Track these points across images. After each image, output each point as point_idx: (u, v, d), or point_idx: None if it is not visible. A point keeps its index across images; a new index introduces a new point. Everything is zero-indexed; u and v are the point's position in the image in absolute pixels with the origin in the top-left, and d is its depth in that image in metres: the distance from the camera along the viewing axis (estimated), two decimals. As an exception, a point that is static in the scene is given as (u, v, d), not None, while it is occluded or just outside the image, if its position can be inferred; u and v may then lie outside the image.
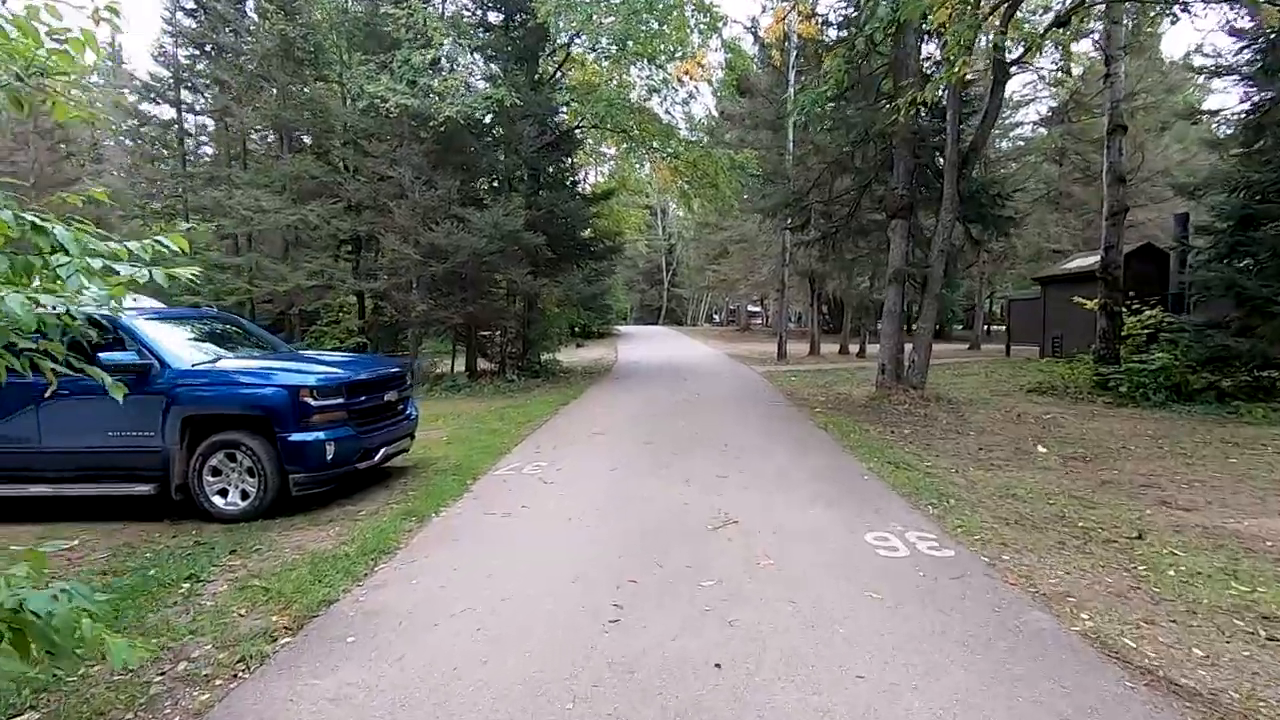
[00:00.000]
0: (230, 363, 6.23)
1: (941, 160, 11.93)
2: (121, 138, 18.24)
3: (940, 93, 11.52)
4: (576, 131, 17.40)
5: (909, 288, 12.52)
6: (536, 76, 14.58)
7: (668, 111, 17.16)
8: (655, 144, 16.88)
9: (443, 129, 13.97)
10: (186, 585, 4.31)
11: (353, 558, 4.55)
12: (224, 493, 5.88)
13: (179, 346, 6.21)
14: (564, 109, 16.57)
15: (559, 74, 16.82)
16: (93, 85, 32.67)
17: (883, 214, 13.36)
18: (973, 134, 11.25)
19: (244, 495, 5.86)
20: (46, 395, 3.06)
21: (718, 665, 3.05)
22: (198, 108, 17.02)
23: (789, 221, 15.03)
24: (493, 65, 15.76)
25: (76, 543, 5.16)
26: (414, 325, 15.24)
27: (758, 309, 55.92)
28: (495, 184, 15.91)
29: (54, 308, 2.27)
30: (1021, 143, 28.55)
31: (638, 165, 19.37)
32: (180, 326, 6.75)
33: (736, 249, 33.24)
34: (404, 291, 14.92)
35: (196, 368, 6.00)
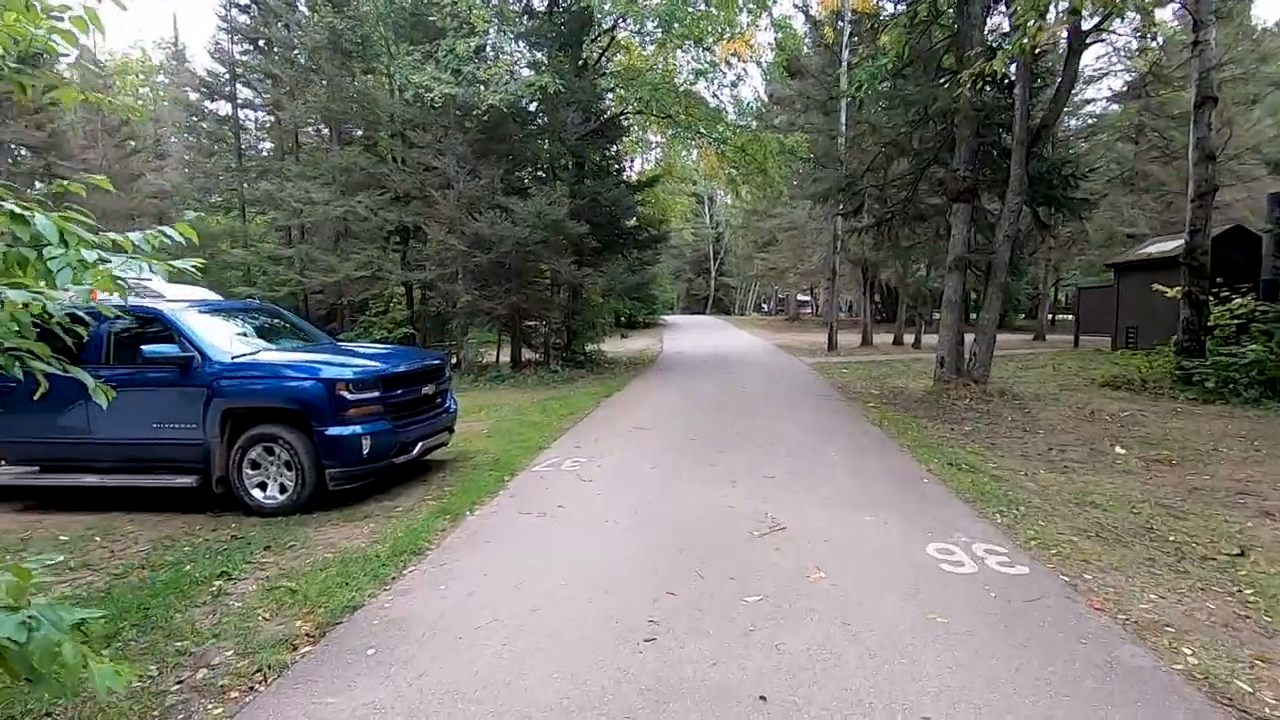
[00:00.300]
0: (270, 355, 6.19)
1: (1008, 139, 11.16)
2: (183, 133, 18.84)
3: (1008, 65, 10.75)
4: (621, 119, 17.09)
5: (970, 275, 11.81)
6: (580, 62, 14.30)
7: (715, 95, 16.70)
8: (702, 129, 16.42)
9: (486, 118, 13.86)
10: (218, 583, 4.24)
11: (383, 559, 4.41)
12: (263, 486, 5.86)
13: (221, 339, 6.20)
14: (608, 95, 16.28)
15: (603, 59, 16.52)
16: (157, 84, 34.01)
17: (942, 198, 12.63)
18: (1043, 110, 10.46)
19: (282, 489, 5.82)
20: (35, 397, 2.90)
21: (762, 698, 2.75)
22: (255, 102, 17.38)
23: (841, 207, 14.40)
24: (536, 52, 15.56)
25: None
26: (459, 316, 15.26)
27: (807, 298, 54.72)
28: (540, 173, 15.75)
29: (25, 304, 2.09)
30: (1093, 120, 26.83)
31: (684, 152, 18.93)
32: (223, 318, 6.76)
33: (785, 237, 32.45)
34: (449, 282, 14.94)
35: (237, 360, 5.98)
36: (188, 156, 18.65)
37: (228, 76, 17.11)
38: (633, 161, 20.08)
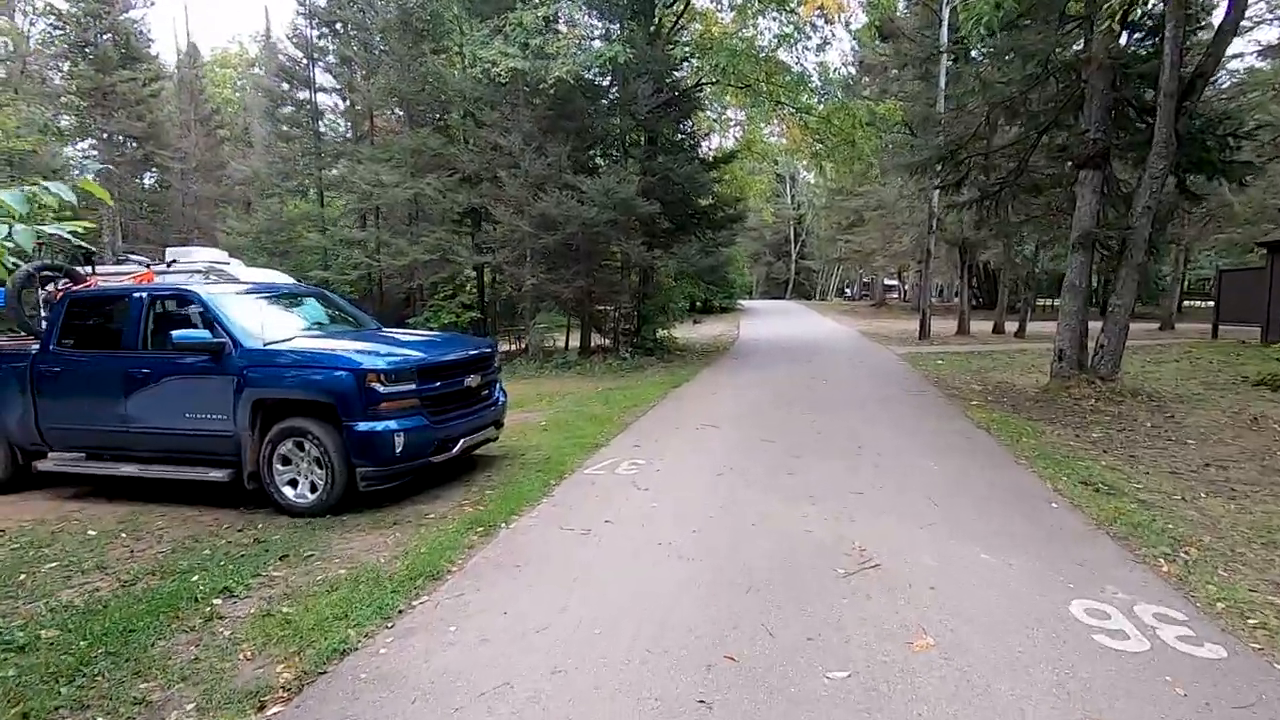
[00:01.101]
0: (303, 342, 5.73)
1: (1150, 94, 9.46)
2: (265, 120, 19.34)
3: (1153, 3, 9.08)
4: (696, 92, 16.06)
5: (1096, 255, 10.19)
6: (653, 29, 13.40)
7: (798, 61, 15.37)
8: (783, 98, 15.17)
9: (554, 92, 13.21)
10: (217, 600, 3.77)
11: (396, 583, 3.80)
12: (294, 483, 5.43)
13: (255, 324, 5.80)
14: (682, 66, 15.30)
15: (677, 27, 15.52)
16: (255, 75, 35.47)
17: (1062, 165, 10.99)
18: (1199, 55, 8.75)
19: (313, 488, 5.37)
20: None
21: None
22: (332, 87, 17.49)
23: (940, 180, 12.90)
24: (607, 22, 14.75)
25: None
26: (526, 300, 14.81)
27: (894, 282, 51.82)
28: (610, 151, 15.00)
29: None
30: (1242, 76, 23.43)
31: (763, 125, 17.68)
32: (264, 302, 6.39)
33: (873, 216, 30.46)
34: (516, 265, 14.49)
35: (269, 347, 5.54)
36: (268, 143, 19.16)
37: (306, 62, 17.29)
38: (708, 137, 18.93)
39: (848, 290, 63.88)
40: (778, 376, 12.35)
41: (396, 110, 18.10)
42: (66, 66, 20.76)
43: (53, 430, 6.14)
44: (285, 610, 3.57)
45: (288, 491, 5.41)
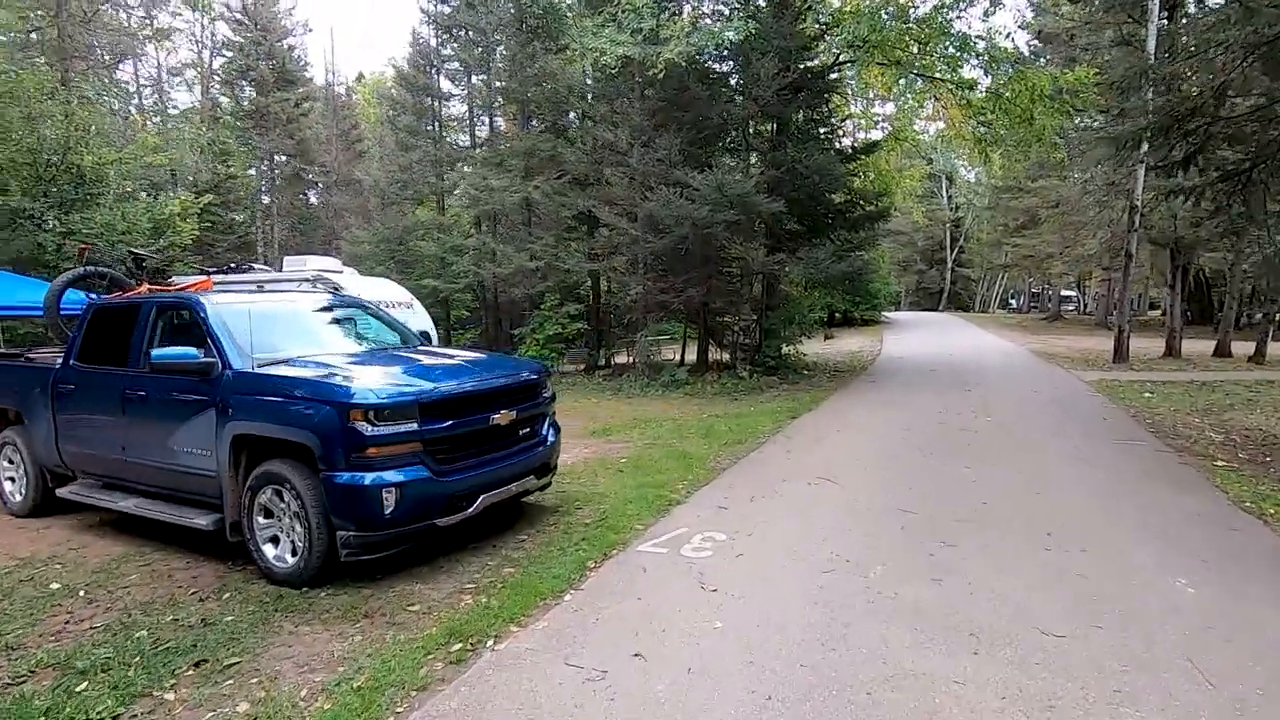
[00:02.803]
0: (289, 368, 4.62)
1: None
2: (388, 129, 19.86)
3: None
4: (832, 74, 13.98)
5: None
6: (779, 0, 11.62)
7: (959, 17, 12.71)
8: (939, 72, 12.70)
9: (664, 76, 11.81)
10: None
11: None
12: (276, 540, 4.35)
13: (255, 339, 4.83)
14: (816, 45, 13.30)
15: (810, -1, 13.53)
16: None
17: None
18: None
19: (293, 549, 4.24)
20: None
21: None
22: (448, 93, 17.38)
23: (1157, 157, 9.90)
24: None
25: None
26: (634, 310, 13.51)
27: (1070, 293, 45.13)
28: (729, 143, 13.35)
29: None
30: None
31: (913, 103, 15.11)
32: (285, 314, 5.49)
33: (1050, 215, 26.17)
34: (624, 272, 13.24)
35: (260, 370, 4.52)
36: (391, 152, 19.64)
37: (428, 68, 17.32)
38: (845, 126, 16.47)
39: (1013, 301, 57.02)
40: (925, 408, 10.01)
41: (512, 113, 17.62)
42: (234, 92, 22.86)
43: (69, 453, 5.58)
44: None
45: (268, 551, 4.34)
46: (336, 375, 4.34)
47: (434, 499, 4.25)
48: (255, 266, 13.54)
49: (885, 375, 14.57)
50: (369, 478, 4.00)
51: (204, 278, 7.63)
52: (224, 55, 23.23)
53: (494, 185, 14.44)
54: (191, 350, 4.63)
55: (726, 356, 15.27)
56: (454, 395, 4.43)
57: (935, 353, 19.16)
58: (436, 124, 17.10)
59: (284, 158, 23.36)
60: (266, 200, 23.70)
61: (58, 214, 11.52)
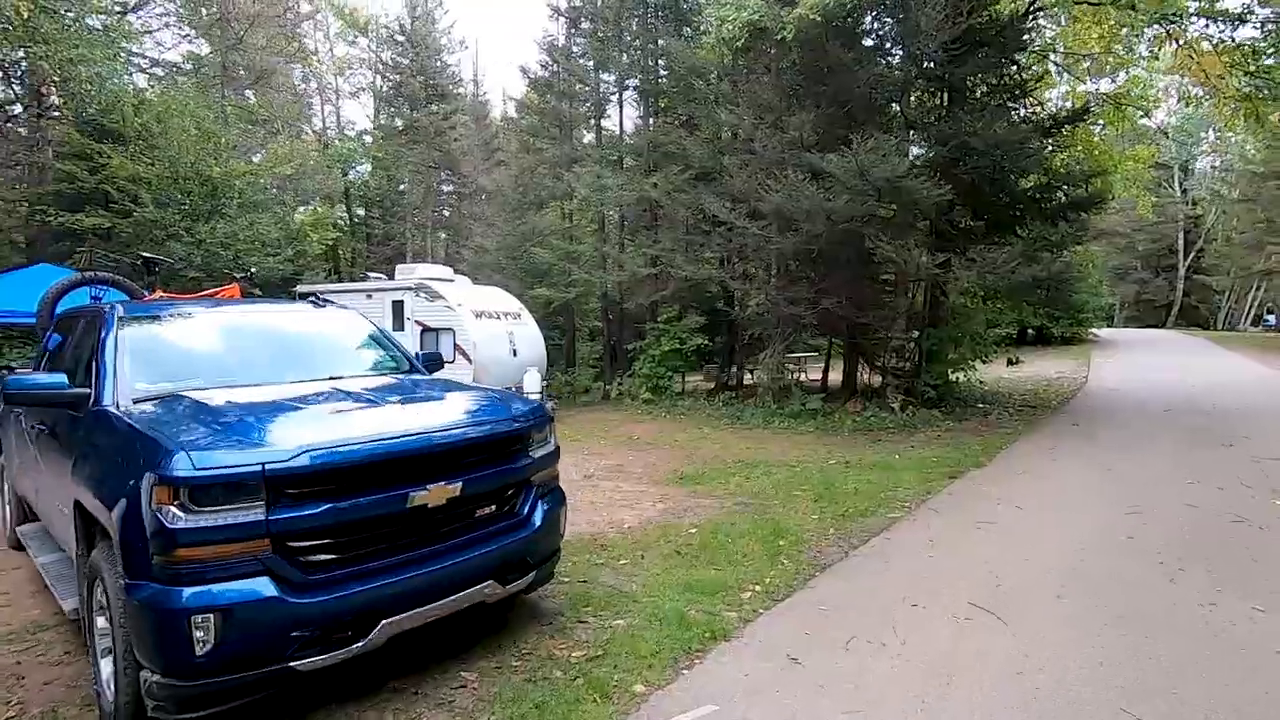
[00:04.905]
0: (156, 405, 3.29)
1: None
2: (519, 134, 19.50)
3: None
4: (1022, 22, 10.88)
5: None
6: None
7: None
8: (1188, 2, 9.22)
9: (799, 43, 9.69)
10: None
11: None
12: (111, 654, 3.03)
13: (142, 363, 3.64)
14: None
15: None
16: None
17: None
18: None
19: (111, 682, 2.89)
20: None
21: None
22: (569, 92, 16.37)
23: None
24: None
25: None
26: (756, 325, 11.44)
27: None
28: (879, 116, 10.82)
29: None
30: None
31: (1142, 50, 11.39)
32: (239, 328, 4.33)
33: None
34: (743, 279, 11.21)
35: (112, 408, 3.25)
36: (512, 156, 19.26)
37: (552, 64, 16.48)
38: (1038, 92, 12.70)
39: (1270, 317, 45.86)
40: (1161, 473, 6.89)
41: (635, 103, 16.21)
42: (391, 109, 24.10)
43: (20, 487, 4.82)
44: None
45: (104, 669, 3.03)
46: (170, 425, 2.93)
47: (287, 629, 2.66)
48: (371, 275, 12.64)
49: (1094, 415, 11.06)
50: (172, 596, 2.52)
51: (233, 284, 6.83)
52: (388, 78, 24.49)
53: (608, 184, 13.07)
54: (58, 377, 3.50)
55: (879, 380, 12.57)
56: (337, 463, 2.82)
57: (1168, 383, 14.72)
58: (560, 123, 16.19)
59: (441, 171, 24.22)
60: (417, 212, 24.60)
61: (187, 224, 11.83)
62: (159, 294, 6.07)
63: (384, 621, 2.87)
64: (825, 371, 14.84)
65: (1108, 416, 10.87)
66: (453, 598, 3.12)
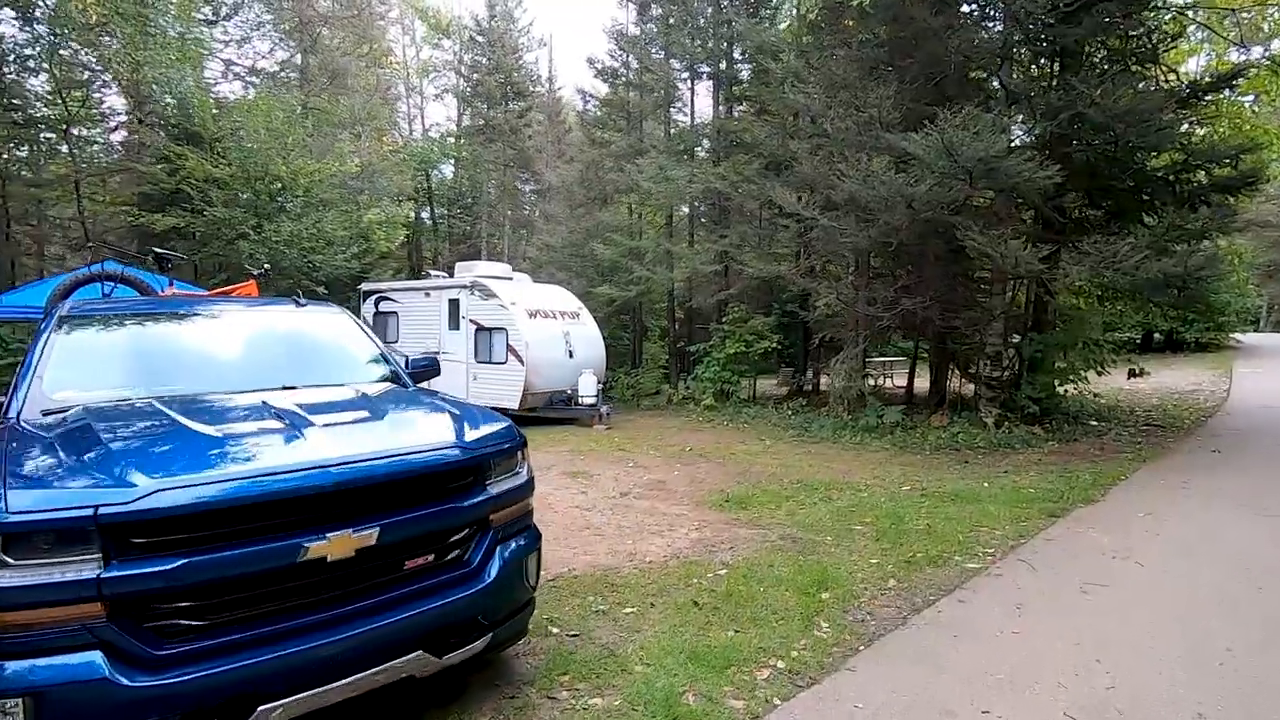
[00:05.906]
0: (57, 420, 2.84)
1: None
2: (580, 125, 19.10)
3: None
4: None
5: None
6: None
7: None
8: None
9: (881, 9, 8.56)
10: None
11: None
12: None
13: (71, 369, 3.24)
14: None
15: None
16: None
17: None
18: None
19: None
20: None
21: None
22: (638, 82, 15.67)
23: None
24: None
25: None
26: (826, 328, 10.35)
27: None
28: (977, 87, 9.47)
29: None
30: None
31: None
32: (172, 331, 3.88)
33: None
34: (809, 275, 10.14)
35: (29, 425, 2.83)
36: (579, 151, 18.79)
37: (621, 55, 15.84)
38: (1169, 56, 10.60)
39: None
40: (1340, 521, 5.39)
41: (705, 95, 15.32)
42: (470, 107, 24.38)
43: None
44: None
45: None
46: (25, 450, 2.43)
47: (125, 718, 2.10)
48: (432, 273, 12.37)
49: (1240, 438, 9.24)
50: (-23, 672, 1.99)
51: (249, 281, 6.55)
52: (468, 79, 24.77)
53: (672, 176, 12.28)
54: (-29, 383, 3.14)
55: (972, 390, 11.13)
56: (195, 505, 2.22)
57: (1335, 401, 12.35)
58: (627, 114, 15.55)
59: (516, 169, 24.32)
60: (493, 210, 24.74)
61: (255, 223, 12.01)
62: (172, 290, 5.87)
63: (261, 708, 2.26)
64: (910, 378, 13.46)
65: (1256, 441, 9.05)
66: (363, 674, 2.47)
